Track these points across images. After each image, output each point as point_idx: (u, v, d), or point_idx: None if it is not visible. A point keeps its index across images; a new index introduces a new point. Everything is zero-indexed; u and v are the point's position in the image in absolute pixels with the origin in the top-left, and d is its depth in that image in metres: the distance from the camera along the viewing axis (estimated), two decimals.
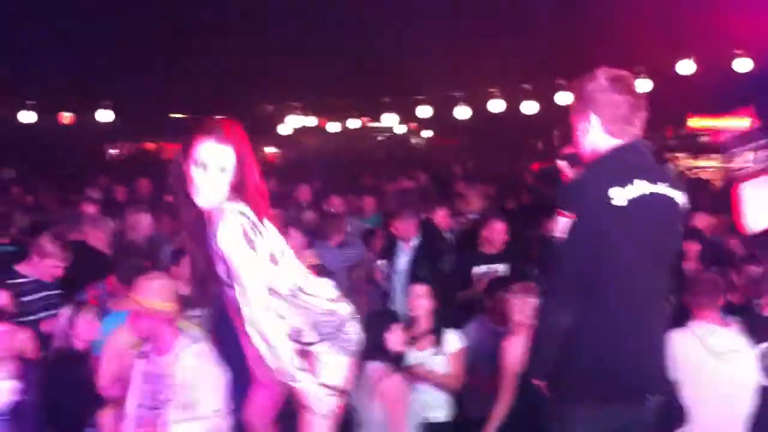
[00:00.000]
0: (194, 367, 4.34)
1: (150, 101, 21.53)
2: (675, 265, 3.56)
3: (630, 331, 3.17)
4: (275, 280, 3.28)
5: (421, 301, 5.82)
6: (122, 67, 17.96)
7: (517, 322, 5.48)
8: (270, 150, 26.44)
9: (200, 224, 3.28)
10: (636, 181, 3.08)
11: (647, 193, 3.10)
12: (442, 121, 21.60)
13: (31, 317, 5.51)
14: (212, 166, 3.17)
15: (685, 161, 21.90)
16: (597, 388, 3.17)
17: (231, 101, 23.36)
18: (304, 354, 3.40)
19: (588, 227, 3.08)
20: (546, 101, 16.98)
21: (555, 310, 3.19)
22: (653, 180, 3.14)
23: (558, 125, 33.08)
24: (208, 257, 3.31)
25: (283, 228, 7.32)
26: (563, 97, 15.60)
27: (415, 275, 7.00)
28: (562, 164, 3.68)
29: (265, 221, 3.27)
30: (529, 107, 17.41)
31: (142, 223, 7.51)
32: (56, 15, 15.82)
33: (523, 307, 5.42)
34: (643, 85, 14.86)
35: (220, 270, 3.27)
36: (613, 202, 3.05)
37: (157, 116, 23.86)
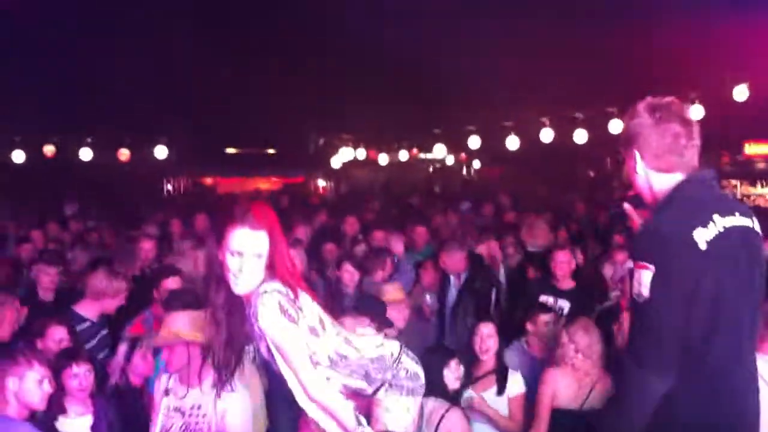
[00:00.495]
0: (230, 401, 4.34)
1: (206, 137, 21.93)
2: None
3: (727, 391, 2.81)
4: (317, 352, 3.26)
5: (487, 341, 5.73)
6: (178, 103, 18.32)
7: (563, 356, 5.43)
8: (322, 183, 26.67)
9: (235, 306, 3.30)
10: (716, 217, 2.79)
11: (725, 228, 2.79)
12: (491, 151, 21.59)
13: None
14: (248, 254, 3.20)
15: (742, 188, 21.49)
16: None
17: (284, 135, 23.71)
18: (367, 405, 3.39)
19: (678, 279, 2.73)
20: (598, 130, 16.84)
21: (650, 379, 2.77)
22: (730, 212, 2.85)
23: (610, 154, 32.82)
24: (246, 337, 3.35)
25: (337, 262, 7.41)
26: (615, 126, 15.46)
27: (477, 312, 6.91)
28: (628, 208, 3.33)
29: (301, 294, 3.28)
30: (581, 136, 17.28)
31: (200, 258, 7.55)
32: (109, 54, 16.23)
33: (577, 343, 5.38)
34: (697, 112, 14.67)
35: (263, 349, 3.27)
36: (701, 247, 2.73)
37: (213, 151, 24.28)
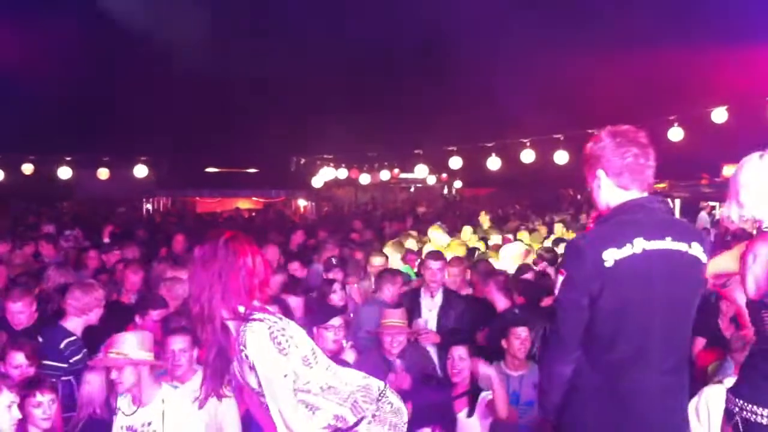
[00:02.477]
0: (178, 414, 4.40)
1: (186, 156, 21.91)
2: None
3: (630, 388, 3.17)
4: (311, 381, 3.26)
5: (459, 363, 5.71)
6: (158, 123, 18.31)
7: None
8: (303, 203, 26.65)
9: (224, 337, 3.28)
10: (637, 240, 3.12)
11: (644, 251, 3.11)
12: (472, 171, 21.66)
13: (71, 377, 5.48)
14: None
15: (720, 210, 21.64)
16: None
17: (265, 155, 23.72)
18: None
19: (578, 288, 3.14)
20: (578, 152, 16.95)
21: (554, 364, 3.28)
22: (657, 236, 3.15)
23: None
24: (228, 365, 3.33)
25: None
26: None
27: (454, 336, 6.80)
28: (591, 227, 3.67)
29: (291, 323, 3.28)
30: (561, 157, 17.39)
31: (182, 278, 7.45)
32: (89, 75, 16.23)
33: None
34: (676, 134, 14.79)
35: (251, 380, 3.23)
36: (606, 264, 3.09)
37: (193, 170, 24.26)
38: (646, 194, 3.28)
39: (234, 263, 3.21)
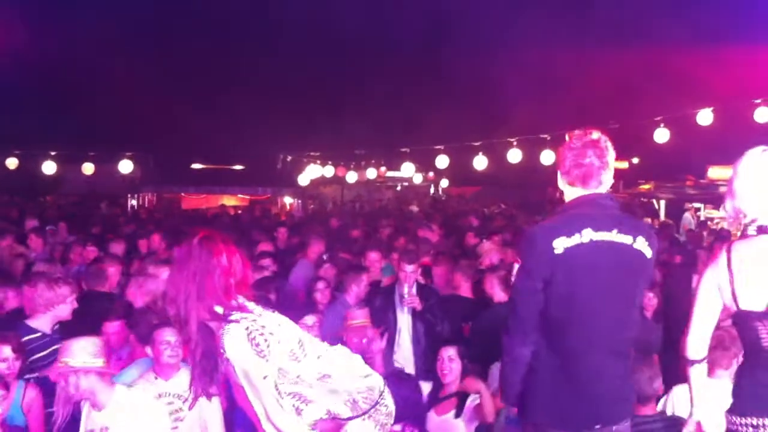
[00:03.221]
0: (132, 415, 4.38)
1: (172, 152, 21.81)
2: None
3: (580, 368, 3.45)
4: (301, 374, 3.23)
5: (449, 364, 5.70)
6: (143, 119, 18.22)
7: None
8: (289, 200, 26.60)
9: (206, 336, 3.26)
10: (586, 231, 3.40)
11: (585, 242, 3.38)
12: (459, 170, 21.69)
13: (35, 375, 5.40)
14: None
15: (705, 212, 21.77)
16: (554, 417, 3.49)
17: (251, 152, 23.66)
18: (334, 429, 3.34)
19: (531, 274, 3.44)
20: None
21: (513, 344, 3.54)
22: (604, 228, 3.42)
23: None
24: (216, 365, 3.30)
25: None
26: None
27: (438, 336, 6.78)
28: None
29: (273, 317, 3.24)
30: (548, 157, 17.42)
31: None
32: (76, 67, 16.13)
33: None
34: (662, 135, 14.85)
35: (238, 379, 3.21)
36: (556, 252, 3.37)
37: (179, 167, 24.15)
38: (599, 191, 3.55)
39: (208, 263, 3.16)
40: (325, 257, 8.62)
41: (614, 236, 3.45)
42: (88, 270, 7.64)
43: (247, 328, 3.09)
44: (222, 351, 3.13)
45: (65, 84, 17.40)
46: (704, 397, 3.51)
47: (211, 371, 3.33)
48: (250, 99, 19.48)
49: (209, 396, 3.47)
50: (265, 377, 3.11)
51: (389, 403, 3.47)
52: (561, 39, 16.14)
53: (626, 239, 3.47)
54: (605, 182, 3.57)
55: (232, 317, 3.13)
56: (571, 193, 3.60)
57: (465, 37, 16.77)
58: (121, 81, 16.76)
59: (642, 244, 3.49)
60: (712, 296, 3.37)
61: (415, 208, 25.63)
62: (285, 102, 19.11)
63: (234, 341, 3.07)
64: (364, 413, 3.36)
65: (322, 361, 3.30)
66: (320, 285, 7.31)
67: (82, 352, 4.37)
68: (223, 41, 17.53)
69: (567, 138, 3.66)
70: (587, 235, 3.40)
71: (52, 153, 18.55)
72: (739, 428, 3.28)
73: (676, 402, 4.83)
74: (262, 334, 3.11)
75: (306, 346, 3.28)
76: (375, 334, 6.04)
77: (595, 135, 3.58)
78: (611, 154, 3.58)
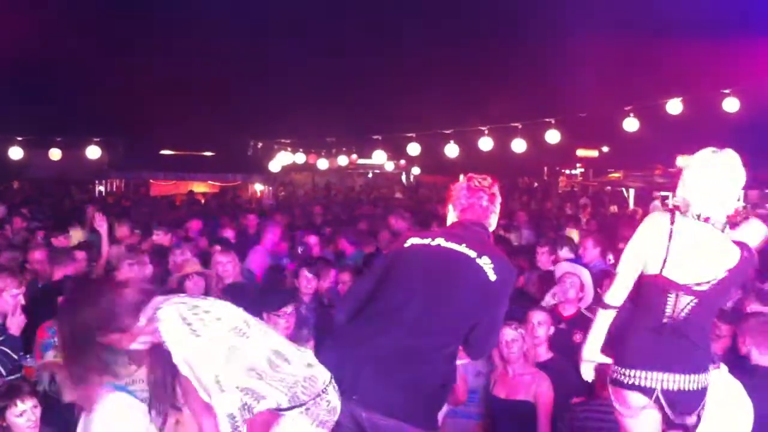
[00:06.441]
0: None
1: (140, 137, 21.58)
2: None
3: (366, 343, 3.59)
4: (249, 353, 3.14)
5: None
6: (112, 107, 18.00)
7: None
8: (259, 187, 26.46)
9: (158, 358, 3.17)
10: (438, 239, 3.81)
11: (432, 244, 3.79)
12: (431, 158, 21.69)
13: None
14: None
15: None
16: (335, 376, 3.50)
17: (221, 138, 23.48)
18: (266, 420, 3.23)
19: (380, 261, 4.05)
20: (535, 139, 17.04)
21: (337, 308, 4.17)
22: (455, 241, 3.78)
23: (548, 164, 33.28)
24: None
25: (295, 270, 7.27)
26: (552, 136, 15.67)
27: None
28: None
29: (210, 300, 3.22)
30: (519, 145, 17.49)
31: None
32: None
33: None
34: (632, 124, 14.96)
35: (183, 380, 3.12)
36: (404, 245, 3.87)
37: (148, 152, 23.92)
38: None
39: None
40: (300, 250, 8.55)
41: (459, 248, 3.76)
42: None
43: (177, 309, 3.04)
44: (162, 343, 3.04)
45: (33, 69, 17.11)
46: (599, 340, 3.90)
47: (167, 394, 3.23)
48: (221, 84, 19.31)
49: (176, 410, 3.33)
50: (201, 357, 3.02)
51: (333, 398, 3.36)
52: (531, 28, 16.17)
53: (467, 252, 3.76)
54: (482, 215, 4.00)
55: (161, 304, 3.09)
56: (451, 218, 4.08)
57: (435, 24, 16.73)
58: (90, 65, 16.52)
59: (485, 261, 3.73)
60: (642, 254, 3.75)
61: (399, 195, 25.68)
62: (256, 88, 18.94)
63: (166, 325, 3.01)
64: (301, 404, 3.25)
65: (271, 338, 3.24)
66: (304, 272, 7.15)
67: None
68: (196, 22, 17.34)
69: (457, 182, 4.14)
70: (437, 241, 3.81)
71: (19, 138, 18.27)
72: (623, 378, 3.75)
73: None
74: (196, 314, 3.05)
75: (251, 323, 3.21)
76: None
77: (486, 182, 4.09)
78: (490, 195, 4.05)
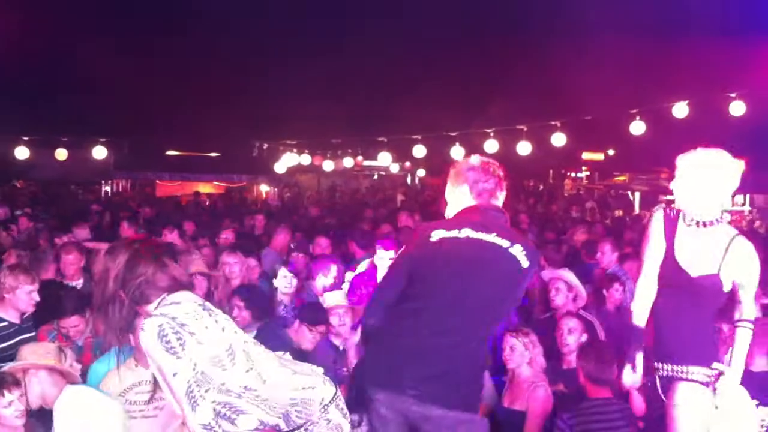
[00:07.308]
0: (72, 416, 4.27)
1: (147, 138, 21.61)
2: None
3: (413, 335, 3.66)
4: (226, 383, 3.16)
5: None
6: (118, 107, 18.02)
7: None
8: (265, 188, 26.47)
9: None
10: (465, 229, 3.77)
11: (461, 236, 3.75)
12: (436, 160, 21.66)
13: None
14: None
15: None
16: (380, 376, 3.70)
17: (227, 139, 23.50)
18: None
19: (405, 258, 3.88)
20: (541, 142, 17.01)
21: (366, 314, 3.94)
22: (484, 231, 3.76)
23: (553, 167, 33.18)
24: None
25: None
26: (558, 139, 15.64)
27: None
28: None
29: (213, 320, 3.20)
30: (524, 148, 17.46)
31: None
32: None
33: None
34: (638, 127, 14.91)
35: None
36: (431, 239, 3.78)
37: (154, 153, 23.94)
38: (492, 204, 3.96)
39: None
40: (293, 245, 8.54)
41: (489, 237, 3.77)
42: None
43: (160, 325, 3.06)
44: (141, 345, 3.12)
45: (39, 69, 17.15)
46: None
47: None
48: (227, 85, 19.33)
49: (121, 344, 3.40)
50: (174, 374, 3.05)
51: (335, 416, 3.35)
52: (537, 30, 16.15)
53: (499, 241, 3.77)
54: (496, 199, 4.00)
55: (153, 313, 3.15)
56: (470, 203, 4.00)
57: (441, 25, 16.72)
58: (96, 65, 16.53)
59: (517, 250, 3.77)
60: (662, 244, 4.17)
61: (401, 197, 25.67)
62: (262, 89, 18.95)
63: (145, 336, 3.06)
64: (297, 428, 3.27)
65: (250, 376, 3.23)
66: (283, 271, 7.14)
67: (32, 355, 4.37)
68: (202, 22, 17.36)
69: (464, 161, 4.12)
70: (465, 232, 3.77)
71: (25, 138, 18.31)
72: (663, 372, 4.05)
73: None
74: (176, 333, 3.07)
75: (237, 355, 3.21)
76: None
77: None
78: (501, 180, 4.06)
